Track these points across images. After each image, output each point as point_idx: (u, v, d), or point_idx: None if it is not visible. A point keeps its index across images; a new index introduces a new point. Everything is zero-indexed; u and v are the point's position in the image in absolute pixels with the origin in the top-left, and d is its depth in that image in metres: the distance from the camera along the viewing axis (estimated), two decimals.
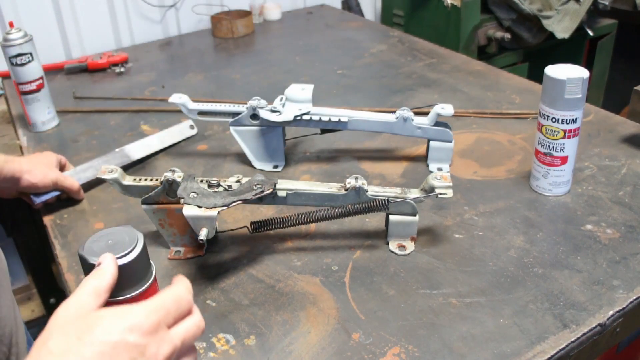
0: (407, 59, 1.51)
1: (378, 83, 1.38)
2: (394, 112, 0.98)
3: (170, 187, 0.77)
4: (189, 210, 0.70)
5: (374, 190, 0.77)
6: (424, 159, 1.02)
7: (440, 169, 0.99)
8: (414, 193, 0.77)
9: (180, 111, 1.03)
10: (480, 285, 0.73)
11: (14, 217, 1.31)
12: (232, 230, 0.84)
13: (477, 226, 0.84)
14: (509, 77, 1.35)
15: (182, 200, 0.71)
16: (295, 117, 0.96)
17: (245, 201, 0.73)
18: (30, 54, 1.15)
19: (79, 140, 1.17)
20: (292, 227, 0.77)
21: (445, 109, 0.95)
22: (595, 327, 0.66)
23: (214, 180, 0.75)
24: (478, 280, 0.74)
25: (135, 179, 0.80)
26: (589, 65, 2.12)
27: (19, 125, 1.26)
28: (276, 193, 0.77)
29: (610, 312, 0.68)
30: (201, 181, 0.76)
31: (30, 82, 1.17)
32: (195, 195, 0.72)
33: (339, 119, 0.97)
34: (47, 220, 0.93)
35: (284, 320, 0.70)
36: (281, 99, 0.99)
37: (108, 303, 0.47)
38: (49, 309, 1.45)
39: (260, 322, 0.70)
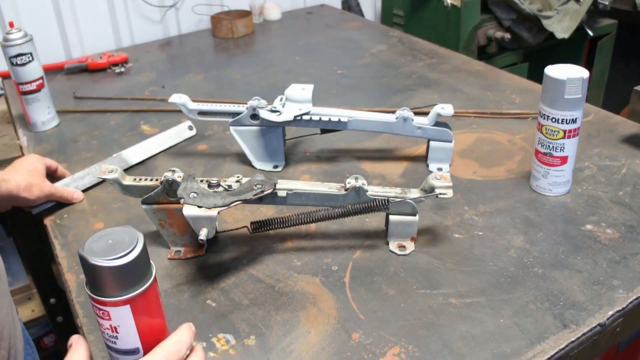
0: (407, 59, 1.51)
1: (378, 83, 1.38)
2: (394, 112, 0.98)
3: (170, 187, 0.77)
4: (189, 210, 0.70)
5: (374, 190, 0.77)
6: (424, 159, 1.02)
7: (440, 169, 1.00)
8: (414, 193, 0.77)
9: (180, 111, 1.03)
10: (480, 285, 0.73)
11: (14, 217, 1.31)
12: (232, 230, 0.84)
13: (477, 226, 0.84)
14: (509, 77, 1.35)
15: (182, 200, 0.71)
16: (295, 117, 0.96)
17: (245, 201, 0.73)
18: (30, 54, 1.15)
19: (79, 140, 1.18)
20: (292, 227, 0.77)
21: (445, 109, 0.95)
22: (595, 327, 0.66)
23: (214, 180, 0.75)
24: (478, 280, 0.74)
25: (135, 179, 0.80)
26: (589, 65, 2.12)
27: (19, 125, 1.26)
28: (276, 193, 0.77)
29: (610, 312, 0.68)
30: (201, 181, 0.76)
31: (30, 82, 1.17)
32: (195, 195, 0.72)
33: (339, 119, 0.97)
34: (47, 220, 0.93)
35: (284, 320, 0.70)
36: (281, 99, 0.99)
37: (109, 303, 0.47)
38: (49, 309, 1.45)
39: (260, 322, 0.70)
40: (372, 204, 0.75)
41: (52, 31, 1.63)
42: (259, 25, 1.90)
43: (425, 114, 0.99)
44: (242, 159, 1.05)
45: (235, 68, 1.53)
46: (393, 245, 0.80)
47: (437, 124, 0.97)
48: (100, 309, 0.48)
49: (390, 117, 0.98)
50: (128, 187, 0.80)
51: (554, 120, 0.85)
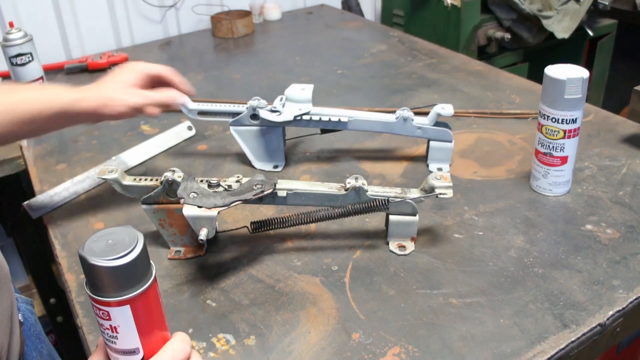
0: (407, 59, 1.51)
1: (378, 83, 1.38)
2: (394, 112, 0.98)
3: (170, 187, 0.77)
4: (189, 210, 0.70)
5: (374, 190, 0.77)
6: (424, 159, 1.02)
7: (440, 169, 1.00)
8: (414, 193, 0.77)
9: (180, 111, 1.03)
10: (480, 285, 0.73)
11: (14, 217, 1.31)
12: (232, 230, 0.84)
13: (477, 226, 0.84)
14: (509, 77, 1.35)
15: (182, 200, 0.71)
16: (295, 117, 0.96)
17: (245, 201, 0.73)
18: (30, 54, 1.15)
19: (79, 140, 1.17)
20: (292, 227, 0.77)
21: (445, 109, 0.95)
22: (595, 327, 0.66)
23: (214, 180, 0.75)
24: (478, 280, 0.74)
25: (135, 179, 0.80)
26: (589, 65, 2.12)
27: None
28: (276, 193, 0.77)
29: (610, 312, 0.68)
30: (201, 181, 0.76)
31: (30, 82, 1.17)
32: (195, 195, 0.72)
33: (339, 119, 0.97)
34: (47, 220, 0.93)
35: (284, 320, 0.70)
36: (281, 99, 0.99)
37: (109, 303, 0.47)
38: (49, 309, 1.45)
39: (260, 322, 0.70)
40: (372, 204, 0.75)
41: (52, 31, 1.63)
42: (259, 25, 1.90)
43: (425, 114, 0.99)
44: (242, 159, 1.05)
45: (235, 68, 1.53)
46: (393, 245, 0.80)
47: (437, 124, 0.97)
48: (100, 309, 0.48)
49: (390, 117, 0.98)
50: (128, 187, 0.80)
51: (554, 120, 0.85)
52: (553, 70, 0.83)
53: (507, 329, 0.66)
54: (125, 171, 1.00)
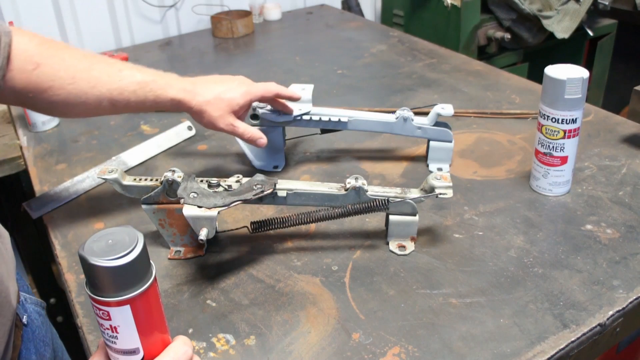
0: (407, 59, 1.51)
1: (378, 83, 1.38)
2: (394, 112, 0.98)
3: (170, 187, 0.77)
4: (189, 210, 0.70)
5: (374, 190, 0.77)
6: (424, 159, 1.02)
7: (440, 169, 1.00)
8: (414, 193, 0.77)
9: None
10: (480, 285, 0.73)
11: (14, 217, 1.31)
12: (232, 230, 0.84)
13: (477, 226, 0.84)
14: (509, 77, 1.35)
15: (182, 200, 0.71)
16: (295, 117, 0.96)
17: (245, 201, 0.73)
18: None
19: (79, 140, 1.17)
20: (292, 227, 0.77)
21: (445, 109, 0.95)
22: (595, 327, 0.66)
23: (214, 180, 0.75)
24: (478, 280, 0.74)
25: (135, 179, 0.80)
26: (589, 65, 2.12)
27: (19, 125, 1.26)
28: (276, 193, 0.77)
29: (610, 312, 0.68)
30: (201, 181, 0.76)
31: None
32: (195, 195, 0.72)
33: (339, 119, 0.97)
34: (47, 220, 0.93)
35: (284, 320, 0.70)
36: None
37: (109, 303, 0.47)
38: (49, 309, 1.45)
39: (260, 322, 0.70)
40: (372, 204, 0.75)
41: (52, 31, 1.63)
42: (259, 25, 1.90)
43: (425, 114, 0.99)
44: (242, 159, 1.05)
45: (235, 68, 1.53)
46: (393, 245, 0.80)
47: (437, 124, 0.97)
48: (100, 309, 0.48)
49: (390, 117, 0.98)
50: (128, 187, 0.80)
51: (554, 120, 0.85)
52: (553, 70, 0.83)
53: (507, 329, 0.66)
54: (125, 171, 1.00)
